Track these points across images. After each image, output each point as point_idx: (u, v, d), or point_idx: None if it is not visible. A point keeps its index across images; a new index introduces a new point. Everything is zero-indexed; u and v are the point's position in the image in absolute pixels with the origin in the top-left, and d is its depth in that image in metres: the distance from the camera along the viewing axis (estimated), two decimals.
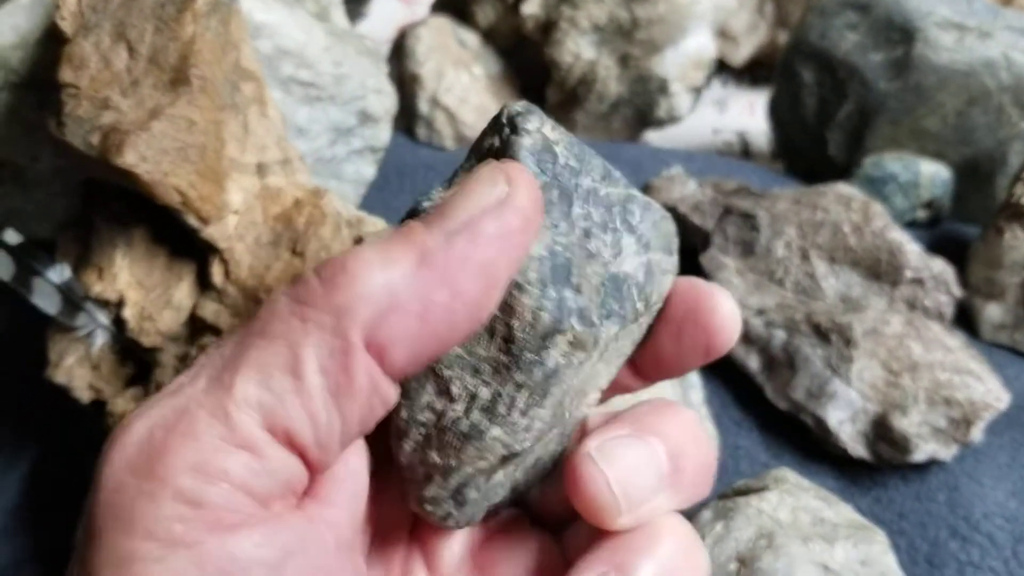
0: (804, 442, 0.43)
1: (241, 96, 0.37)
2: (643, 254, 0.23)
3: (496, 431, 0.21)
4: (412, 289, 0.18)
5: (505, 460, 0.22)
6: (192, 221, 0.35)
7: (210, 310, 0.36)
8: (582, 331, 0.21)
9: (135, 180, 0.33)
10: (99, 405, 0.38)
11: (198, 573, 0.17)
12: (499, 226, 0.19)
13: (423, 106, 0.59)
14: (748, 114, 0.70)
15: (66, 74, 0.35)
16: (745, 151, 0.67)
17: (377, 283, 0.18)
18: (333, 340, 0.18)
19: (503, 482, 0.23)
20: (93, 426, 0.39)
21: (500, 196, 0.19)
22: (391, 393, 0.19)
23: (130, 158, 0.33)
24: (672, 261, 0.24)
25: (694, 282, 0.25)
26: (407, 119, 0.59)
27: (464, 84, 0.59)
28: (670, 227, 0.25)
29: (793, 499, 0.35)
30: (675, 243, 0.25)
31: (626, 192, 0.23)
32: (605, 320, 0.21)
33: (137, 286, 0.37)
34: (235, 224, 0.36)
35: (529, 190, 0.20)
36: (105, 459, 0.18)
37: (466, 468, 0.22)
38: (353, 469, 0.21)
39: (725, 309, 0.24)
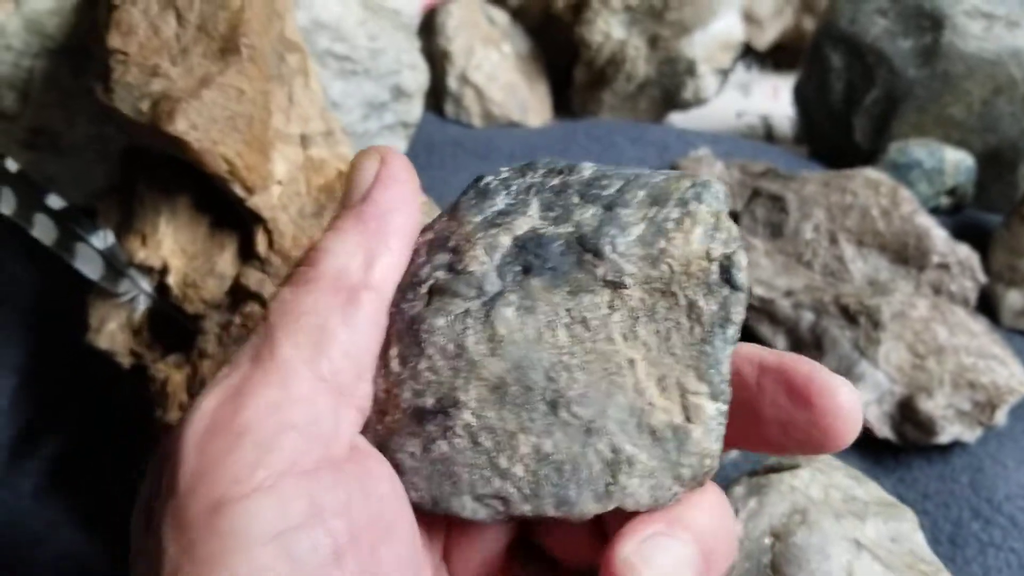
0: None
1: (286, 67, 0.38)
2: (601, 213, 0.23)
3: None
4: (371, 241, 0.23)
5: (418, 414, 0.22)
6: (238, 190, 0.35)
7: (254, 279, 0.36)
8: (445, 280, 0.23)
9: (184, 148, 0.34)
10: (139, 370, 0.38)
11: (281, 514, 0.19)
12: (389, 176, 0.24)
13: (452, 83, 0.59)
14: (771, 98, 0.70)
15: (115, 40, 0.35)
16: (768, 135, 0.68)
17: (347, 249, 0.23)
18: (341, 294, 0.22)
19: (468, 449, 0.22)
20: (133, 391, 0.39)
21: (378, 161, 0.24)
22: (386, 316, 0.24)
23: (181, 126, 0.33)
24: (673, 214, 0.22)
25: (813, 367, 0.23)
26: (436, 96, 0.59)
27: (493, 62, 0.59)
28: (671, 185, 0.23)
29: (824, 477, 0.35)
30: (680, 201, 0.22)
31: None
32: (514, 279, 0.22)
33: (181, 253, 0.37)
34: (279, 194, 0.37)
35: (391, 151, 0.25)
36: (179, 435, 0.20)
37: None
38: None
39: (846, 402, 0.22)
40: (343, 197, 0.25)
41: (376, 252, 0.23)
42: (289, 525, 0.19)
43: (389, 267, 0.23)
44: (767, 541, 0.32)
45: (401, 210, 0.24)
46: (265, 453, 0.19)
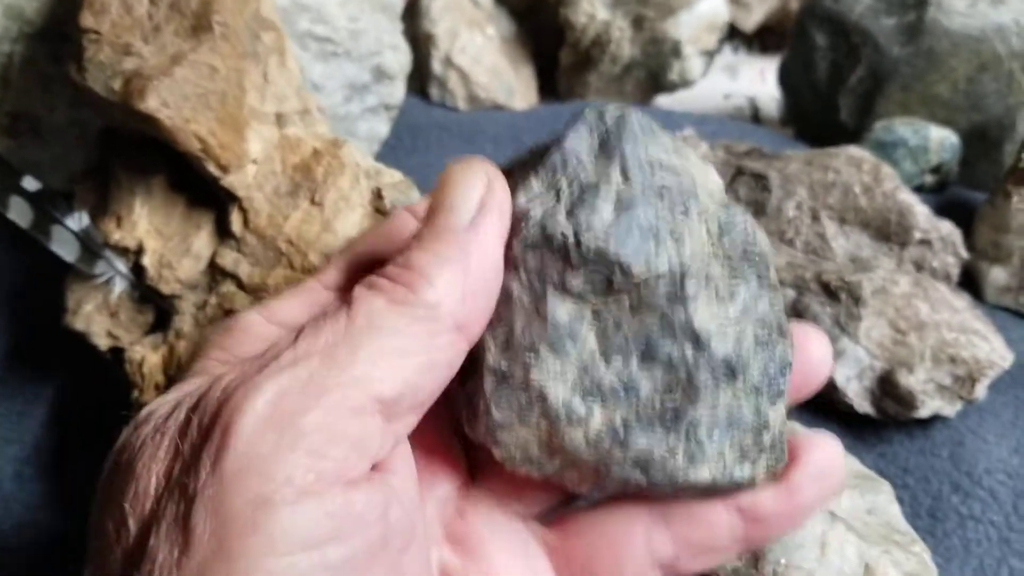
0: (810, 398, 0.43)
1: (261, 45, 0.38)
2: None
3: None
4: (471, 277, 0.23)
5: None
6: (212, 169, 0.35)
7: (229, 258, 0.36)
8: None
9: (156, 126, 0.34)
10: (117, 352, 0.38)
11: (326, 519, 0.20)
12: (497, 206, 0.24)
13: (436, 66, 0.59)
14: (758, 81, 0.70)
15: (87, 19, 0.35)
16: (755, 116, 0.67)
17: (448, 279, 0.22)
18: (433, 327, 0.22)
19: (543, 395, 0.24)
20: (110, 373, 0.39)
21: (486, 183, 0.24)
22: (463, 358, 0.24)
23: (152, 103, 0.33)
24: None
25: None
26: (420, 79, 0.59)
27: (478, 45, 0.59)
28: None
29: None
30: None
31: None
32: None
33: (156, 234, 0.37)
34: (254, 173, 0.37)
35: (498, 174, 0.24)
36: (238, 413, 0.20)
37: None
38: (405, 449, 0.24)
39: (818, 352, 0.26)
40: (436, 208, 0.24)
41: (474, 292, 0.23)
42: (331, 535, 0.20)
43: (481, 311, 0.23)
44: None
45: (500, 246, 0.24)
46: (319, 460, 0.20)
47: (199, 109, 0.34)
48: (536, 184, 0.24)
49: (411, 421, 0.23)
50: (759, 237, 0.25)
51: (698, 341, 0.24)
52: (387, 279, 0.23)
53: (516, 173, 0.25)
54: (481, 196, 0.23)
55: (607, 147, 0.24)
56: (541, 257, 0.24)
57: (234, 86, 0.36)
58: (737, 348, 0.24)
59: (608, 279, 0.23)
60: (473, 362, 0.24)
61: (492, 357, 0.24)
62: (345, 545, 0.20)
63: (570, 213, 0.23)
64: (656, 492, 0.25)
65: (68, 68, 0.35)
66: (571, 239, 0.23)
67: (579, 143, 0.24)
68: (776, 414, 0.25)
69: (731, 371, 0.24)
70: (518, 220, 0.24)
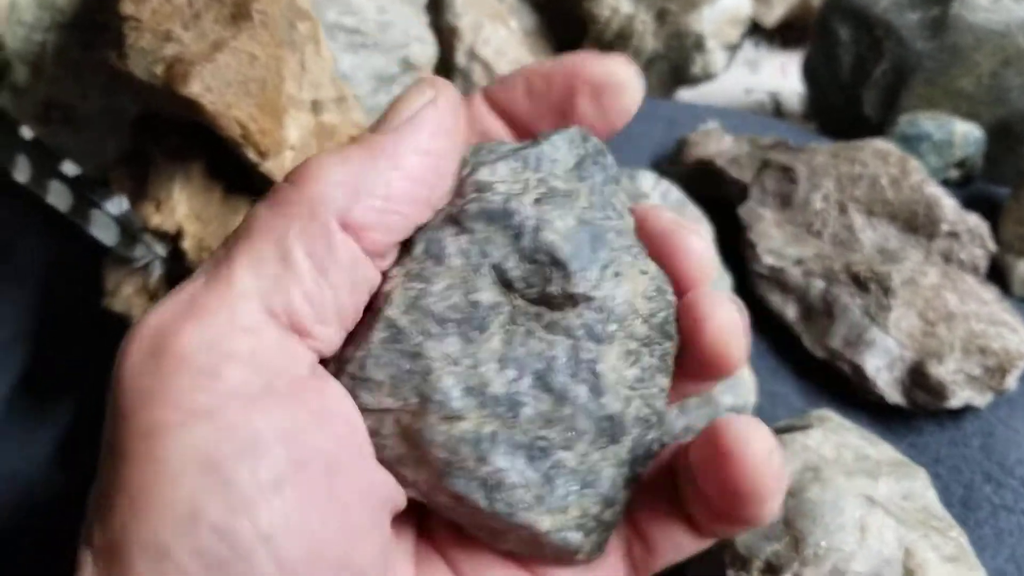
0: (839, 389, 0.44)
1: (297, 34, 0.38)
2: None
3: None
4: (370, 176, 0.21)
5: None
6: (251, 155, 0.36)
7: None
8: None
9: (198, 111, 0.34)
10: None
11: (222, 442, 0.18)
12: (435, 116, 0.22)
13: (461, 59, 0.59)
14: (779, 75, 0.70)
15: (127, 7, 0.35)
16: (777, 111, 0.68)
17: (339, 175, 0.21)
18: (311, 225, 0.20)
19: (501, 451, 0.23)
20: None
21: (430, 98, 0.23)
22: (373, 272, 0.22)
23: (195, 88, 0.33)
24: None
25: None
26: (444, 71, 0.60)
27: (501, 37, 0.59)
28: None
29: (837, 437, 0.35)
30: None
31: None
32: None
33: (195, 219, 0.37)
34: (291, 159, 0.37)
35: (451, 93, 0.23)
36: (123, 352, 0.20)
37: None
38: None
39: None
40: (373, 123, 0.23)
41: (370, 190, 0.21)
42: (226, 452, 0.18)
43: (376, 212, 0.21)
44: None
45: (425, 160, 0.22)
46: (208, 379, 0.19)
47: (240, 95, 0.35)
48: (503, 169, 0.23)
49: (327, 336, 0.21)
50: (678, 326, 0.25)
51: (595, 387, 0.23)
52: (282, 179, 0.21)
53: (483, 154, 0.24)
54: (415, 108, 0.22)
55: (582, 168, 0.24)
56: (491, 231, 0.23)
57: (273, 73, 0.36)
58: (623, 412, 0.23)
59: (545, 281, 0.23)
60: (371, 301, 0.23)
61: (395, 309, 0.22)
62: (246, 464, 0.18)
63: (537, 203, 0.23)
64: (481, 521, 0.23)
65: (108, 55, 0.36)
66: (530, 223, 0.23)
67: (557, 152, 0.24)
68: (624, 497, 0.24)
69: (612, 432, 0.23)
70: (479, 189, 0.23)
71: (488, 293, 0.23)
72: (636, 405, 0.24)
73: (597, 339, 0.23)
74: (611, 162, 0.25)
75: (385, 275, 0.23)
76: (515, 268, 0.23)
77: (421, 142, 0.22)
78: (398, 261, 0.23)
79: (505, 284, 0.23)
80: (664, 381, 0.25)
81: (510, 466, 0.22)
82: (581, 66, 0.25)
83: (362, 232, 0.21)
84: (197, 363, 0.19)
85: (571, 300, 0.23)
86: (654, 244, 0.25)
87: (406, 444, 0.23)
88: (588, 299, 0.23)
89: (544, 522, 0.23)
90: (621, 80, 0.25)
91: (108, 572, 0.18)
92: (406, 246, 0.23)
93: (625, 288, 0.23)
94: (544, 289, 0.23)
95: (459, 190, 0.23)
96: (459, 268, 0.23)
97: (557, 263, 0.23)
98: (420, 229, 0.23)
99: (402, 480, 0.23)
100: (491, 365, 0.22)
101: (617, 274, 0.23)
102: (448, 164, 0.23)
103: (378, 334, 0.22)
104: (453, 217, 0.23)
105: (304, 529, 0.19)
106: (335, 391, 0.21)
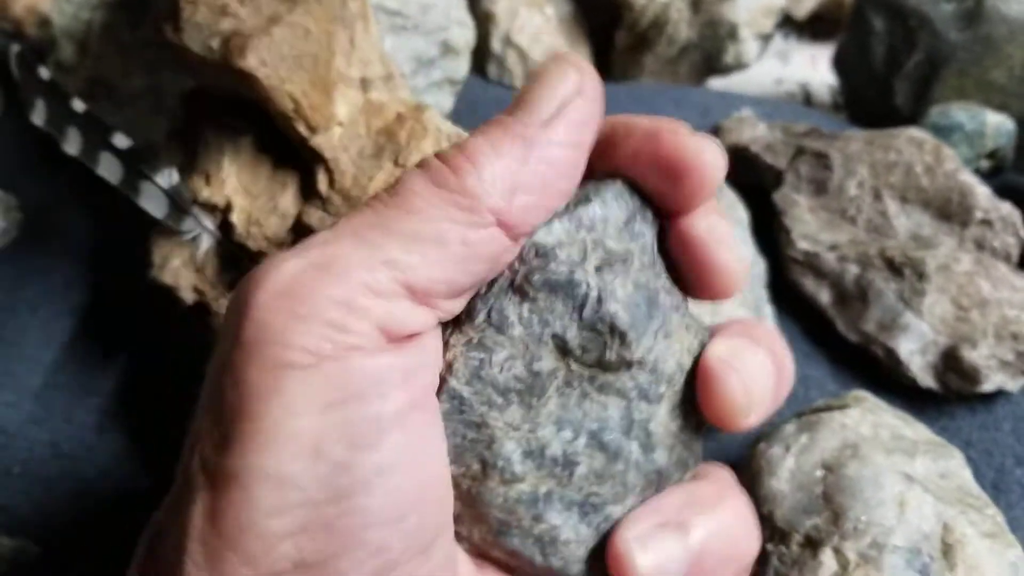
0: (872, 373, 0.44)
1: (348, 11, 0.39)
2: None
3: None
4: (524, 172, 0.22)
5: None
6: (301, 129, 0.36)
7: (315, 217, 0.37)
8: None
9: (253, 84, 0.35)
10: (200, 307, 0.39)
11: (343, 383, 0.20)
12: (584, 109, 0.23)
13: (496, 44, 0.59)
14: (810, 67, 0.70)
15: None
16: (807, 102, 0.68)
17: (497, 169, 0.21)
18: (472, 217, 0.21)
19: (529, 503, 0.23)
20: (192, 329, 0.40)
21: (576, 85, 0.23)
22: (514, 253, 0.23)
23: (252, 61, 0.34)
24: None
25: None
26: (479, 57, 0.60)
27: (537, 24, 0.59)
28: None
29: (873, 416, 0.36)
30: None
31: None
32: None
33: (244, 192, 0.38)
34: (340, 135, 0.38)
35: (596, 81, 0.23)
36: (255, 285, 0.20)
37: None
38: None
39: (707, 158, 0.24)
40: (517, 101, 0.22)
41: (526, 187, 0.22)
42: (351, 392, 0.20)
43: (527, 209, 0.22)
44: (819, 473, 0.33)
45: (572, 155, 0.22)
46: (337, 332, 0.20)
47: (294, 70, 0.35)
48: (560, 229, 0.23)
49: (449, 307, 0.22)
50: None
51: (647, 444, 0.24)
52: (439, 159, 0.22)
53: None
54: (564, 97, 0.22)
55: (632, 226, 0.24)
56: (552, 300, 0.23)
57: (325, 49, 0.37)
58: (668, 463, 0.25)
59: (602, 349, 0.23)
60: None
61: (457, 380, 0.23)
62: (365, 405, 0.20)
63: (598, 272, 0.23)
64: (534, 573, 0.24)
65: (163, 28, 0.36)
66: (594, 295, 0.23)
67: (608, 210, 0.24)
68: None
69: (658, 483, 0.25)
70: (539, 254, 0.23)
71: (547, 361, 0.23)
72: (678, 451, 0.25)
73: (649, 400, 0.24)
74: (652, 216, 0.25)
75: (446, 343, 0.23)
76: (575, 337, 0.23)
77: (571, 135, 0.22)
78: (457, 327, 0.23)
79: (562, 350, 0.23)
80: (699, 417, 0.26)
81: (563, 523, 0.24)
82: (669, 136, 0.24)
83: (514, 225, 0.22)
84: (328, 316, 0.20)
85: (626, 364, 0.24)
86: (686, 253, 0.25)
87: (463, 503, 0.23)
88: (641, 363, 0.24)
89: (595, 573, 0.24)
90: (706, 162, 0.23)
91: (223, 496, 0.19)
92: (466, 311, 0.23)
93: (675, 348, 0.24)
94: (602, 356, 0.23)
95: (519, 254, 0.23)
96: (520, 337, 0.23)
97: (616, 331, 0.23)
98: (478, 295, 0.23)
99: (456, 535, 0.24)
100: (549, 428, 0.23)
101: (667, 335, 0.24)
102: (587, 155, 0.23)
103: (442, 405, 0.23)
104: (516, 286, 0.23)
105: (416, 463, 0.21)
106: (433, 343, 0.23)
